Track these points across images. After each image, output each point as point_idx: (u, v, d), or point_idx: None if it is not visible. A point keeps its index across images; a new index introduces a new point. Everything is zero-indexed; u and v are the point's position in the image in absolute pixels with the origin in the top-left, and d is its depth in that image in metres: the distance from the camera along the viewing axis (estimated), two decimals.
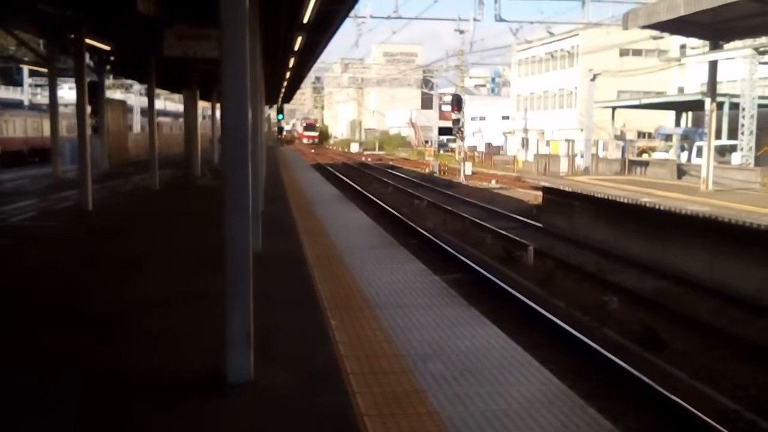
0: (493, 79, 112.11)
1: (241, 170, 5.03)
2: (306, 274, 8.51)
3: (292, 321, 6.51)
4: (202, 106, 38.83)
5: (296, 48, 17.64)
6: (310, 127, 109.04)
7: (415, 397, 4.67)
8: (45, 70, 27.38)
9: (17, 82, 62.57)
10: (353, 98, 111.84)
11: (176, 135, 48.18)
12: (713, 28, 24.08)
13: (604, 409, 7.06)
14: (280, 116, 55.99)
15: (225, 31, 5.03)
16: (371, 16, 34.40)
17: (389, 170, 46.58)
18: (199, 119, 30.92)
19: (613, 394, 7.54)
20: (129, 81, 50.36)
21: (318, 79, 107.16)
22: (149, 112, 22.23)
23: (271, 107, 54.45)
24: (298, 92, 69.98)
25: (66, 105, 36.48)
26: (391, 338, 5.95)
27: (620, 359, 8.25)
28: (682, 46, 44.75)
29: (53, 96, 24.11)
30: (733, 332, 9.69)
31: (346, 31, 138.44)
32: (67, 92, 42.19)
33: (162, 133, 48.69)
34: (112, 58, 25.20)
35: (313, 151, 74.06)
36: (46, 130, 30.06)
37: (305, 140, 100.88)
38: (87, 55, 21.25)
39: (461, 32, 42.84)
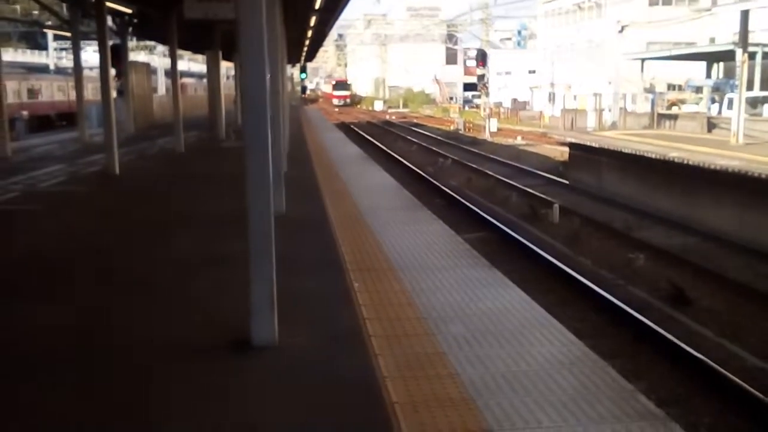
0: (519, 32, 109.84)
1: (260, 136, 5.03)
2: (329, 236, 8.56)
3: (315, 284, 6.58)
4: (226, 66, 38.72)
5: (317, 6, 17.44)
6: (340, 85, 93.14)
7: (436, 359, 4.72)
8: (68, 34, 27.45)
9: (42, 46, 62.95)
10: (377, 55, 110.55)
11: (201, 96, 48.19)
12: None
13: (628, 368, 7.10)
14: (303, 75, 55.58)
15: None
16: None
17: (414, 128, 46.28)
18: (223, 80, 30.86)
19: (638, 352, 7.55)
20: (152, 43, 50.32)
21: (340, 36, 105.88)
22: (172, 74, 22.24)
23: (293, 66, 54.13)
24: (321, 50, 69.29)
25: (91, 68, 36.66)
26: (413, 300, 5.99)
27: (645, 317, 8.23)
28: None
29: (77, 60, 24.20)
30: (762, 289, 9.58)
31: None
32: (92, 55, 42.26)
33: (186, 95, 48.75)
34: (135, 21, 25.18)
35: (337, 110, 73.69)
36: (73, 93, 30.28)
37: (335, 101, 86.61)
38: (109, 18, 21.30)
39: None
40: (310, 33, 27.41)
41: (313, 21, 22.24)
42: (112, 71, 22.74)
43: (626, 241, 12.61)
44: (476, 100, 64.90)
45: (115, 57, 23.59)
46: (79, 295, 6.43)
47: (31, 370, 4.69)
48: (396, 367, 4.62)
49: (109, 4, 17.01)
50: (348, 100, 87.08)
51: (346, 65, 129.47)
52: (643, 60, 41.29)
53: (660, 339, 7.65)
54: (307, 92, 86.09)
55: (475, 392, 4.22)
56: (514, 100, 64.47)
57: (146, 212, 10.85)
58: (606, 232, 13.46)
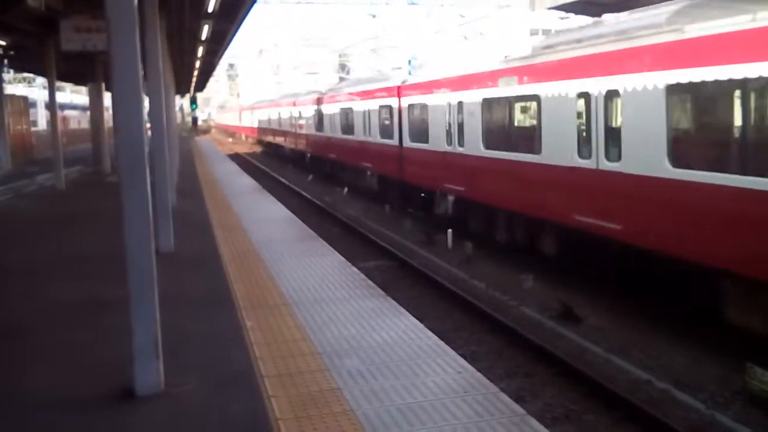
0: (409, 62, 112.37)
1: (137, 171, 4.80)
2: (220, 272, 8.29)
3: (205, 324, 6.31)
4: (110, 97, 37.28)
5: (203, 37, 17.15)
6: None
7: (331, 396, 4.61)
8: None
9: None
10: (270, 85, 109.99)
11: (85, 129, 46.24)
12: (617, 8, 24.77)
13: (524, 387, 7.25)
14: (194, 106, 54.42)
15: (113, 26, 4.74)
16: (282, 2, 33.85)
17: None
18: (107, 112, 29.76)
19: (534, 372, 7.71)
20: (32, 75, 47.89)
21: (231, 66, 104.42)
22: (50, 107, 21.17)
23: (183, 97, 52.98)
24: (213, 80, 68.36)
25: None
26: (307, 336, 5.86)
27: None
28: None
29: None
30: None
31: (259, 15, 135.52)
32: None
33: (69, 128, 46.68)
34: (10, 52, 23.87)
35: (230, 140, 72.43)
36: None
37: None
38: None
39: (374, 16, 42.77)
40: (198, 63, 26.91)
41: (200, 52, 21.86)
42: None
43: None
44: None
45: None
46: None
47: None
48: (290, 407, 4.47)
49: None
50: None
51: (238, 95, 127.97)
52: None
53: (551, 357, 7.87)
54: (199, 123, 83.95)
55: (371, 428, 4.13)
56: None
57: (22, 256, 10.15)
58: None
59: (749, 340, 7.58)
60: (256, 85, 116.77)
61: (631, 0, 21.68)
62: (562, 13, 35.79)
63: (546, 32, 49.44)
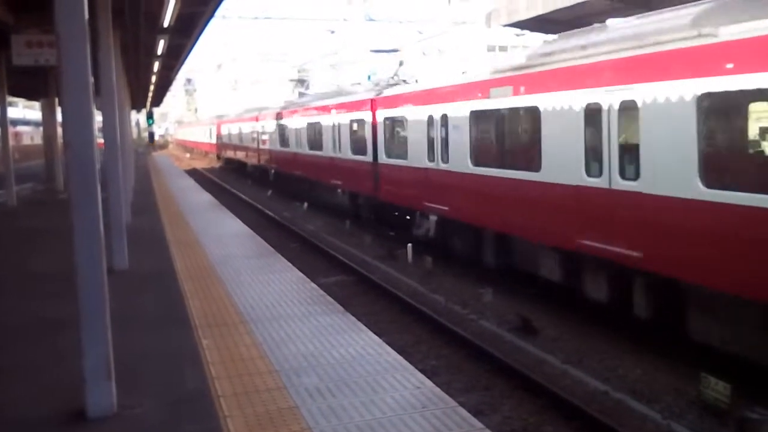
0: (369, 77, 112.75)
1: (87, 186, 4.70)
2: (176, 290, 8.15)
3: (159, 344, 6.19)
4: None
5: (159, 52, 16.95)
6: None
7: (288, 415, 4.55)
8: None
9: None
10: (229, 100, 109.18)
11: (39, 145, 45.22)
12: (569, 25, 25.26)
13: (484, 401, 7.26)
14: (150, 121, 53.55)
15: (62, 41, 4.66)
16: (239, 17, 33.65)
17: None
18: (60, 128, 29.15)
19: (492, 384, 7.74)
20: None
21: (189, 81, 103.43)
22: (1, 122, 20.68)
23: (139, 112, 52.20)
24: (170, 95, 67.43)
25: None
26: (265, 354, 5.78)
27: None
28: (545, 42, 46.88)
29: None
30: None
31: (217, 30, 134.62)
32: None
33: (22, 144, 45.64)
34: None
35: (188, 156, 71.57)
36: None
37: None
38: None
39: (332, 32, 42.93)
40: (154, 78, 26.55)
41: (156, 67, 21.58)
42: None
43: None
44: None
45: None
46: None
47: None
48: (246, 427, 4.40)
49: None
50: None
51: (196, 110, 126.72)
52: None
53: (510, 370, 7.91)
54: (156, 138, 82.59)
55: None
56: None
57: None
58: None
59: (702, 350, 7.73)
60: (215, 100, 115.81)
61: (582, 17, 22.20)
62: (518, 30, 36.49)
63: (502, 49, 50.33)
